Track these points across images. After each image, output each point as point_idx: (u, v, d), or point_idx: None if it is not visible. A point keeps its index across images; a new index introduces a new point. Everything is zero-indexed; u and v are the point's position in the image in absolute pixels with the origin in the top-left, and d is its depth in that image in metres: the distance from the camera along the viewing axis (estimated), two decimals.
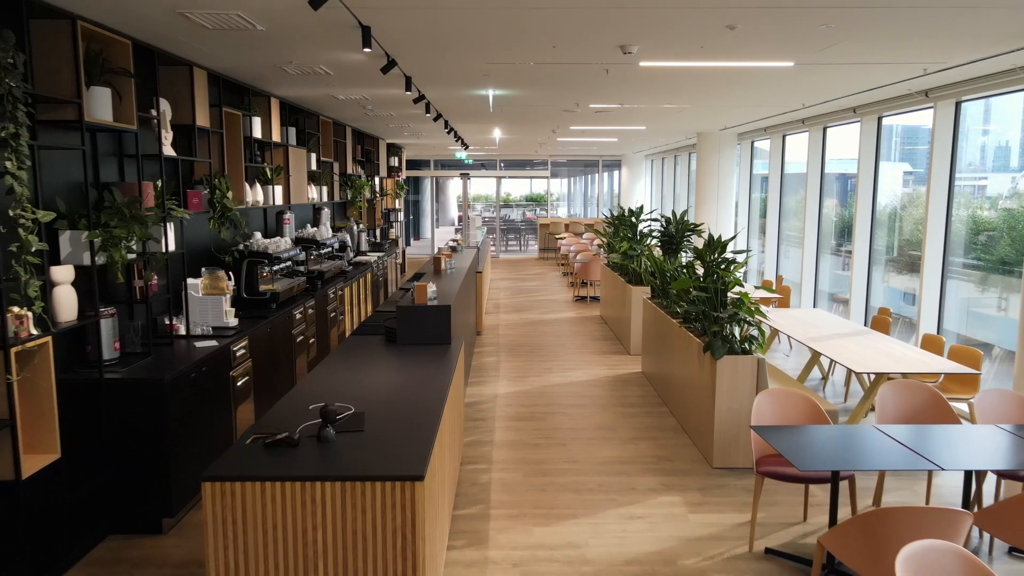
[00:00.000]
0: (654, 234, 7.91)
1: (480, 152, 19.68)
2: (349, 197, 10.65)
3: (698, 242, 9.17)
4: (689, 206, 15.90)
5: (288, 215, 7.58)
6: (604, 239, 10.93)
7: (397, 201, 15.57)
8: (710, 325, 5.17)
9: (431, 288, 5.30)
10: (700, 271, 5.72)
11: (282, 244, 6.90)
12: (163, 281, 4.98)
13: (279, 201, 7.31)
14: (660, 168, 19.05)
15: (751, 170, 12.49)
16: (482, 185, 39.92)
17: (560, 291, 14.11)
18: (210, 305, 5.25)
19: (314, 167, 8.63)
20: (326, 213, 9.02)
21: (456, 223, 35.41)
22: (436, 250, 9.27)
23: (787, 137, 10.93)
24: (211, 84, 5.74)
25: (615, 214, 10.70)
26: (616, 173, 24.92)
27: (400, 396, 3.80)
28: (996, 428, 3.89)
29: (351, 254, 9.43)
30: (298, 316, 6.69)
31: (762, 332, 5.30)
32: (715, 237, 5.45)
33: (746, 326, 5.13)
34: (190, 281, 5.19)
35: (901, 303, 8.37)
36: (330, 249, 8.53)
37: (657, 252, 8.09)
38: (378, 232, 13.81)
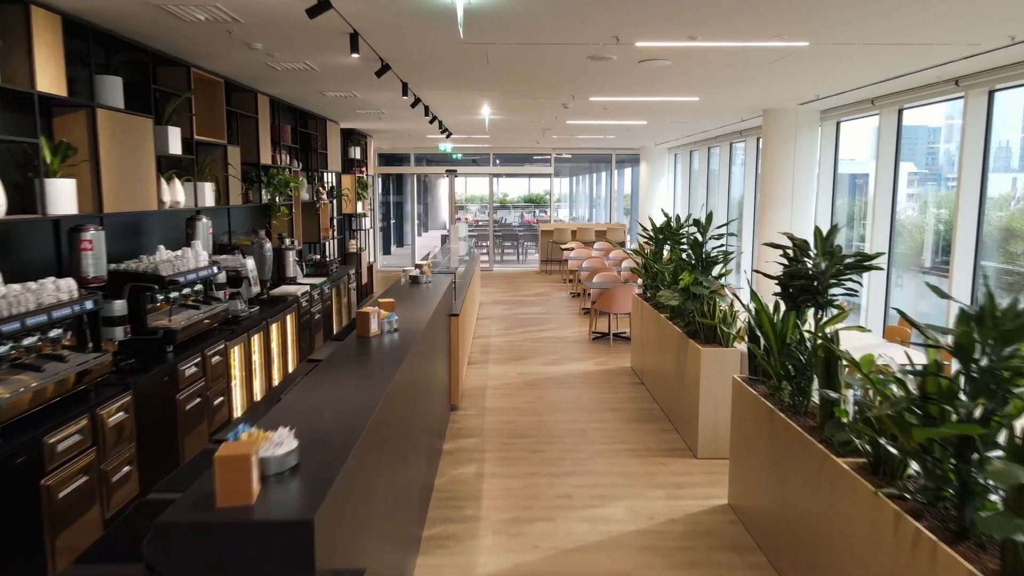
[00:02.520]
0: (781, 276, 4.21)
1: (469, 144, 16.29)
2: (266, 199, 7.25)
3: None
4: (730, 210, 12.54)
5: (89, 233, 4.15)
6: (641, 259, 7.53)
7: (361, 204, 12.17)
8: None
9: (278, 441, 1.96)
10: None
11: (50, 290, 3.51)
12: None
13: (67, 208, 3.92)
14: (687, 163, 15.67)
15: (836, 162, 9.10)
16: (477, 185, 36.56)
17: (570, 322, 10.71)
18: None
19: (177, 150, 5.23)
20: (204, 227, 5.61)
21: (447, 227, 32.00)
22: (373, 296, 6.21)
23: (905, 112, 7.54)
24: None
25: (658, 224, 7.29)
26: (628, 171, 21.53)
27: None
28: None
29: (252, 288, 6.03)
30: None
31: None
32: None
33: None
34: None
35: None
36: (199, 287, 5.14)
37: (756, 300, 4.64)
38: (330, 246, 10.39)
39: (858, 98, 7.69)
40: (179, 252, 5.01)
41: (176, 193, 5.27)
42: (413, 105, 7.50)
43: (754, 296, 4.09)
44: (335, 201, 10.56)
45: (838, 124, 8.98)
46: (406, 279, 6.47)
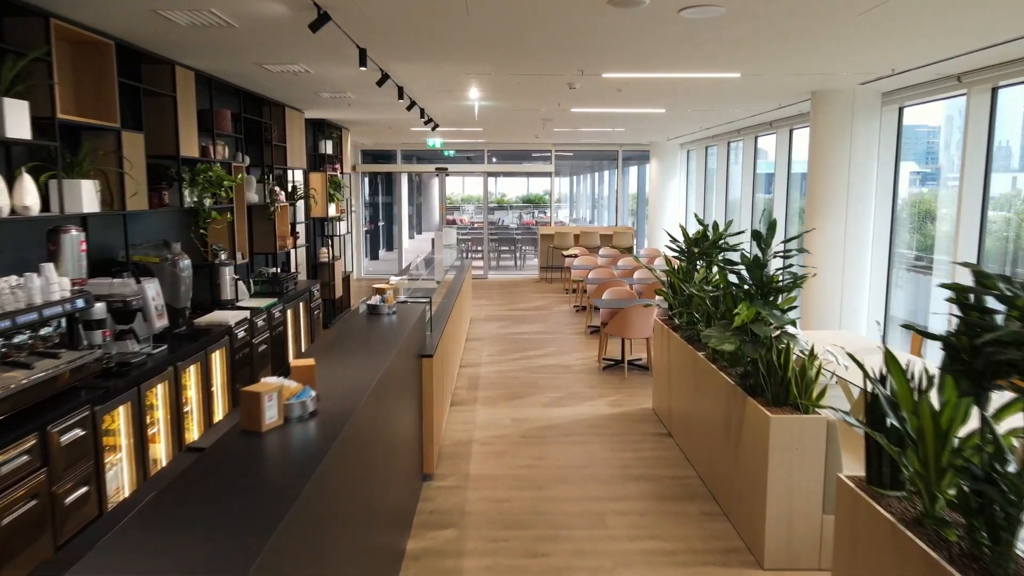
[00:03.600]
0: (955, 334, 2.47)
1: (461, 140, 14.74)
2: (190, 202, 5.68)
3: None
4: (755, 214, 10.99)
5: None
6: (670, 280, 5.96)
7: (335, 206, 10.61)
8: None
9: None
10: None
11: None
12: None
13: None
14: (703, 160, 14.12)
15: (897, 155, 7.53)
16: (473, 184, 34.82)
17: (575, 344, 9.14)
18: None
19: (23, 132, 3.66)
20: (74, 242, 4.04)
21: (441, 228, 30.39)
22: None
23: (1000, 91, 5.98)
24: None
25: (691, 235, 5.74)
26: (633, 170, 19.97)
27: None
28: None
29: (156, 322, 4.46)
30: None
31: None
32: None
33: None
34: None
35: None
36: (56, 327, 3.58)
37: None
38: (294, 256, 8.83)
39: (938, 74, 6.13)
40: (18, 280, 3.44)
41: (23, 196, 3.70)
42: (380, 83, 5.93)
43: (890, 361, 2.53)
44: (300, 203, 9.00)
45: (901, 110, 7.42)
46: (364, 309, 4.90)
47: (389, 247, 22.60)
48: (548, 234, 15.33)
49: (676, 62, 5.66)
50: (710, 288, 5.16)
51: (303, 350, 7.46)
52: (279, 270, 7.76)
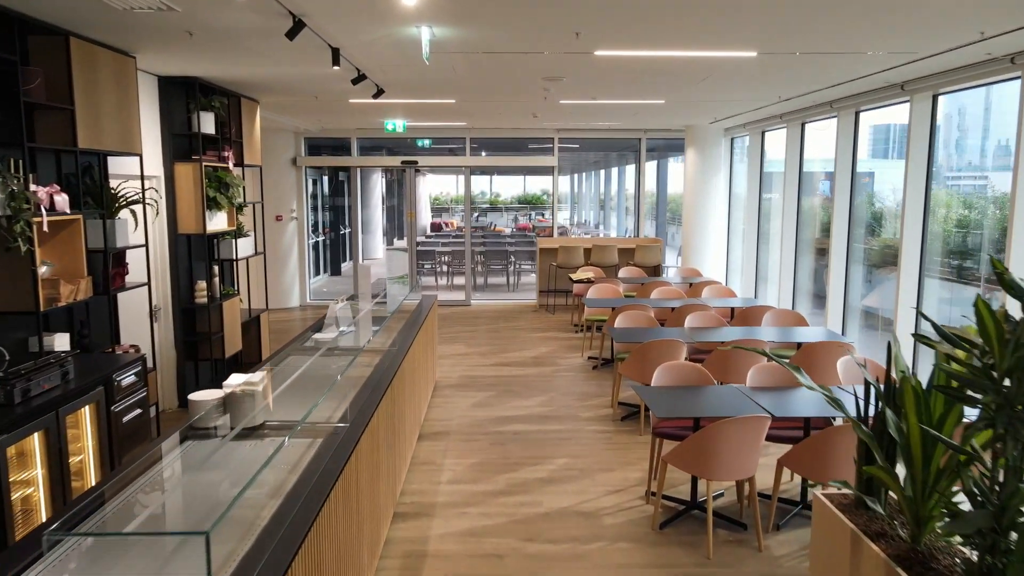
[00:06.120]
0: None
1: (434, 123, 11.04)
2: None
3: None
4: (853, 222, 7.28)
5: None
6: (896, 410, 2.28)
7: (223, 216, 6.93)
8: None
9: None
10: None
11: None
12: None
13: None
14: (759, 148, 10.45)
15: None
16: (478, 184, 31.02)
17: (601, 446, 5.46)
18: None
19: None
20: None
21: (428, 231, 26.55)
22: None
23: None
24: None
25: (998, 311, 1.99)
26: (650, 165, 16.27)
27: None
28: None
29: None
30: None
31: None
32: None
33: None
34: None
35: None
36: None
37: None
38: (106, 305, 5.15)
39: None
40: None
41: None
42: None
43: None
44: (125, 213, 5.27)
45: None
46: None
47: (367, 256, 18.86)
48: (550, 248, 11.63)
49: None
50: None
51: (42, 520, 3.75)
52: (42, 348, 4.06)
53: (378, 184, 19.67)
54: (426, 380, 6.24)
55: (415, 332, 5.49)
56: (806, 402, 4.28)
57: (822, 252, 9.31)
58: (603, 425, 5.98)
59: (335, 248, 16.79)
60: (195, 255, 6.63)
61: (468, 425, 5.97)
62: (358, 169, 12.47)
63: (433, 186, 30.45)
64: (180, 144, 6.36)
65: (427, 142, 13.33)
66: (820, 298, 9.78)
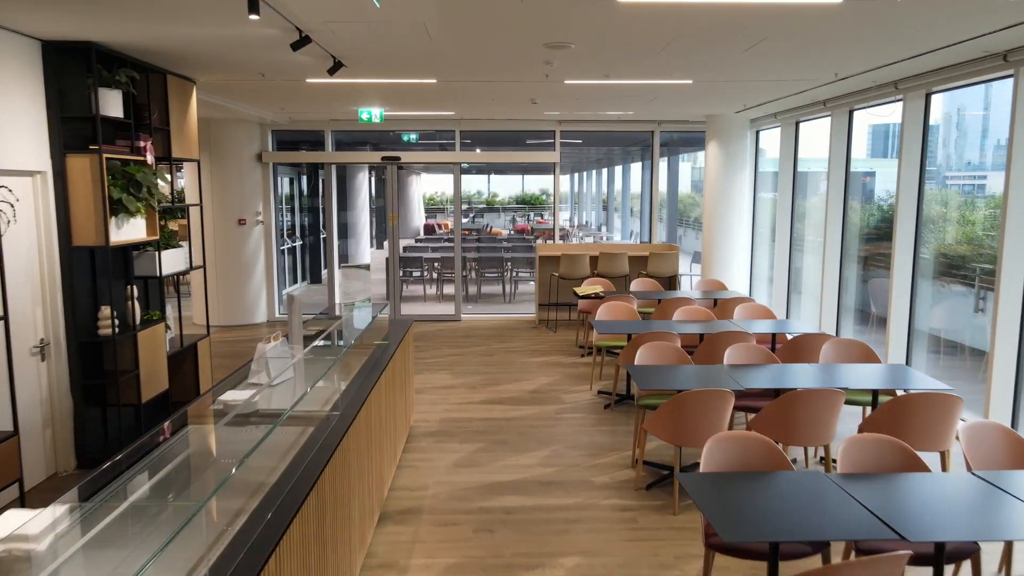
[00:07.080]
0: None
1: (418, 112, 9.62)
2: None
3: None
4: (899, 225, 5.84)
5: None
6: None
7: (139, 222, 5.50)
8: None
9: None
10: None
11: None
12: None
13: None
14: (792, 140, 9.04)
15: None
16: (466, 181, 29.57)
17: (624, 536, 4.04)
18: None
19: None
20: None
21: (420, 232, 25.04)
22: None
23: None
24: None
25: None
26: (660, 162, 14.85)
27: None
28: None
29: None
30: None
31: None
32: None
33: None
34: None
35: None
36: None
37: None
38: None
39: None
40: None
41: None
42: None
43: None
44: None
45: None
46: None
47: (345, 258, 17.40)
48: (551, 256, 10.21)
49: None
50: None
51: None
52: None
53: (364, 184, 18.23)
54: (393, 436, 4.81)
55: (376, 378, 4.07)
56: (964, 522, 2.84)
57: (864, 261, 7.96)
58: (623, 497, 4.55)
59: (315, 253, 15.35)
60: (99, 273, 5.20)
61: (446, 498, 4.54)
62: (332, 166, 11.02)
63: (429, 186, 29.02)
64: (76, 130, 4.93)
65: (414, 136, 11.92)
66: (863, 313, 8.40)
